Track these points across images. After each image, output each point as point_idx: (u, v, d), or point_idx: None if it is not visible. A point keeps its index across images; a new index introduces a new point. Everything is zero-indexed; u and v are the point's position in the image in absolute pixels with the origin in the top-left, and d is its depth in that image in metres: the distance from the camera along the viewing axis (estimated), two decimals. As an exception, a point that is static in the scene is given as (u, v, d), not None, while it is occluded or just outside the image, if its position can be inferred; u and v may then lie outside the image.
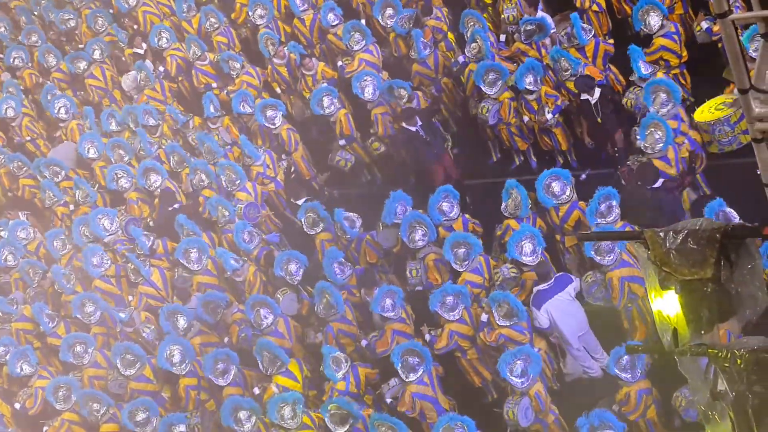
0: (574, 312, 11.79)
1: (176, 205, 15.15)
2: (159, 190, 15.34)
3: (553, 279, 11.74)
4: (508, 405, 11.05)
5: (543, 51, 14.58)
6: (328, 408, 11.10)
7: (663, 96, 12.58)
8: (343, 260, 13.08)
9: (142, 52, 17.86)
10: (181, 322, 13.10)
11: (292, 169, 15.73)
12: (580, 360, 12.11)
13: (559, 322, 11.73)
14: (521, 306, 11.41)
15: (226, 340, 13.30)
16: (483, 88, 14.21)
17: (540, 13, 15.03)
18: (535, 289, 11.82)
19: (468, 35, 14.98)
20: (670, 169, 12.39)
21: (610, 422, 9.88)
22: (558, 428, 11.34)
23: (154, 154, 16.04)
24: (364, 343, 12.52)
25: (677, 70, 13.67)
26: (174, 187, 15.50)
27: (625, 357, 10.55)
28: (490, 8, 16.12)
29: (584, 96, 13.59)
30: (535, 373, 10.88)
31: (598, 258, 11.45)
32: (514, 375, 10.84)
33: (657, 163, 12.31)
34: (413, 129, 14.41)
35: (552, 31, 14.84)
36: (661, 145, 12.26)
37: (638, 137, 12.51)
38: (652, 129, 12.24)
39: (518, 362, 10.83)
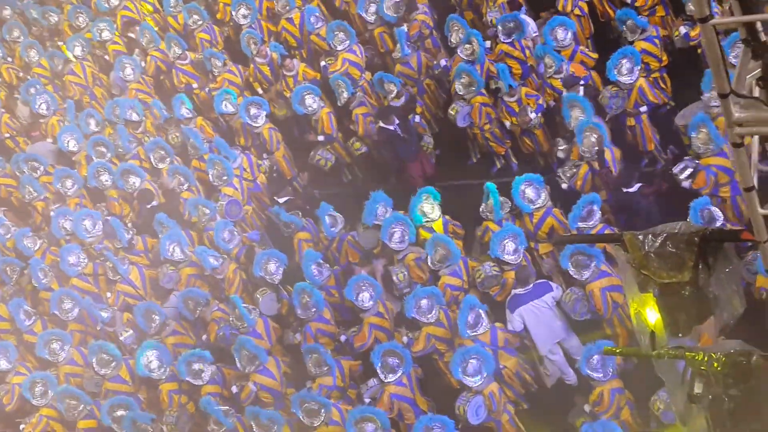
0: (549, 321, 11.77)
1: (154, 203, 15.03)
2: (138, 191, 15.16)
3: (531, 285, 11.71)
4: (461, 401, 11.09)
5: (527, 52, 14.60)
6: (298, 402, 11.09)
7: (577, 111, 12.80)
8: (321, 261, 13.06)
9: (134, 36, 17.78)
10: (156, 321, 13.00)
11: (274, 168, 15.67)
12: (558, 366, 12.14)
13: (532, 328, 11.74)
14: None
15: (204, 337, 13.23)
16: (456, 86, 14.25)
17: (522, 17, 15.02)
18: (512, 291, 11.83)
19: (452, 39, 14.99)
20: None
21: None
22: (512, 428, 11.37)
23: (133, 151, 15.91)
24: (342, 338, 12.54)
25: (657, 74, 13.73)
26: (153, 188, 15.36)
27: (596, 356, 10.57)
28: (472, 13, 16.12)
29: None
30: (489, 371, 10.91)
31: (574, 272, 11.43)
32: (468, 374, 10.90)
33: (594, 164, 12.48)
34: (391, 128, 14.40)
35: (535, 34, 14.87)
36: (597, 148, 12.39)
37: (560, 148, 13.05)
38: (588, 133, 12.44)
39: (471, 361, 10.88)
